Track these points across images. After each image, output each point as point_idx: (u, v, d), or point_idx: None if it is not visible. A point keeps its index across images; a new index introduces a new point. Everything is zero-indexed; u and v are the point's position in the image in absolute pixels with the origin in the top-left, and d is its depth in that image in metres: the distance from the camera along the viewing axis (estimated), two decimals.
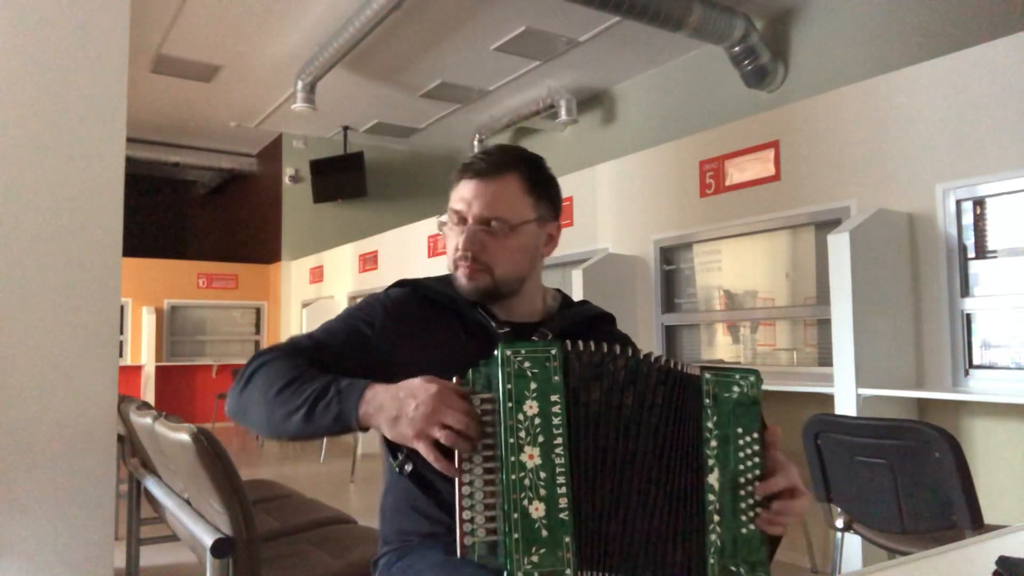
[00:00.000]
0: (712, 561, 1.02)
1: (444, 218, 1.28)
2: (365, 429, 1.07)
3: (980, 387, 3.11)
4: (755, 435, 1.05)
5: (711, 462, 1.04)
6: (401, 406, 1.03)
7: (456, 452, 1.01)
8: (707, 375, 1.05)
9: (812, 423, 2.31)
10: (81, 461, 2.03)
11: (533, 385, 1.01)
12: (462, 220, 1.23)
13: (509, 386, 1.00)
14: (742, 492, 1.04)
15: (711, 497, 1.03)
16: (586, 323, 1.35)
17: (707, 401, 1.05)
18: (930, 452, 2.00)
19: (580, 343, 1.04)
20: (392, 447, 1.25)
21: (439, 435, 0.99)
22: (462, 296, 1.27)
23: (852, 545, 2.86)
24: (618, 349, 1.05)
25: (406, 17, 6.49)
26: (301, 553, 2.07)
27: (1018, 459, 2.97)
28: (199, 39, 7.09)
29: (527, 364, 1.01)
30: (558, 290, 1.41)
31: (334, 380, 1.10)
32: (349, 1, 6.28)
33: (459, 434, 0.99)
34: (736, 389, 1.05)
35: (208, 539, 1.59)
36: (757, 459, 1.05)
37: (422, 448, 1.01)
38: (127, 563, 2.85)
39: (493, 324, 1.25)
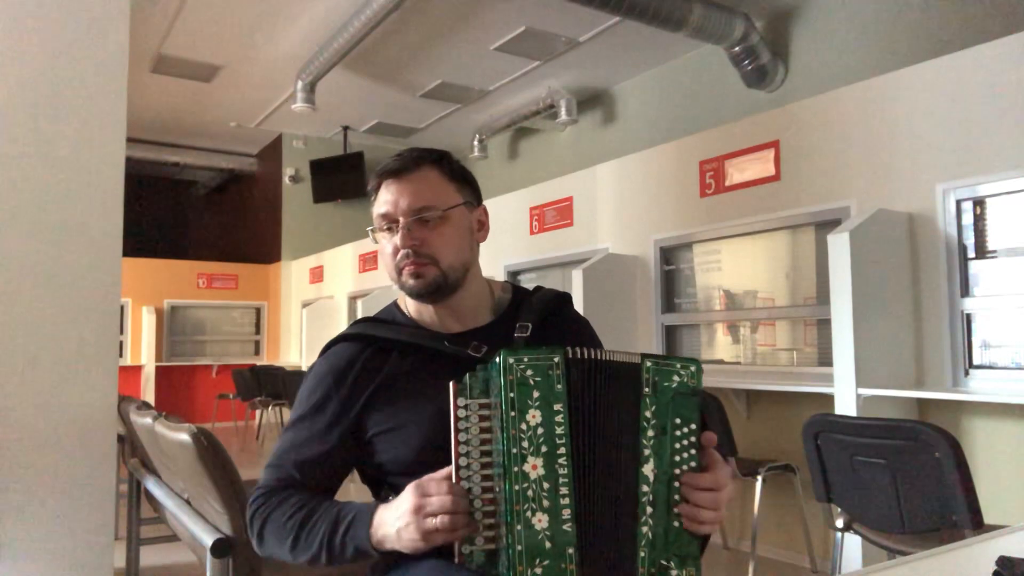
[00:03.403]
0: (643, 554, 1.00)
1: (372, 228, 1.25)
2: (387, 552, 1.09)
3: (980, 387, 3.11)
4: (692, 427, 1.03)
5: (647, 452, 1.02)
6: (397, 519, 1.04)
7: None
8: (647, 363, 1.03)
9: (812, 423, 2.31)
10: (81, 461, 2.03)
11: (536, 394, 0.99)
12: (392, 222, 1.21)
13: (512, 395, 0.98)
14: (676, 484, 1.02)
15: (644, 488, 1.01)
16: (552, 306, 1.32)
17: (646, 390, 1.03)
18: (930, 452, 2.00)
19: (577, 349, 1.02)
20: (373, 485, 1.26)
21: (435, 524, 0.99)
22: (414, 331, 1.25)
23: (852, 545, 2.86)
24: (608, 354, 1.04)
25: (406, 17, 6.49)
26: None
27: (1018, 459, 2.97)
28: (199, 39, 7.09)
29: (529, 372, 0.99)
30: (507, 281, 1.39)
31: (338, 517, 1.11)
32: (349, 1, 6.28)
33: (449, 513, 0.99)
34: (676, 379, 1.03)
35: (208, 539, 1.59)
36: (693, 451, 1.03)
37: (434, 542, 1.01)
38: (127, 563, 2.85)
39: (468, 351, 1.20)
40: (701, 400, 1.05)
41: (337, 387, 1.21)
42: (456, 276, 1.22)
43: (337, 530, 1.10)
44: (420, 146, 1.28)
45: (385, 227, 1.22)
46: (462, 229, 1.24)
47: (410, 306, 1.29)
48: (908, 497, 2.08)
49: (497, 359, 0.99)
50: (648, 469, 1.02)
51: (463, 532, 0.99)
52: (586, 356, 1.02)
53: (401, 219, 1.20)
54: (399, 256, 1.20)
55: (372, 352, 1.23)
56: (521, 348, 1.09)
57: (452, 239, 1.22)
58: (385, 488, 1.21)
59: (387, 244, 1.22)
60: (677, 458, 1.03)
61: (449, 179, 1.24)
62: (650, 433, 1.02)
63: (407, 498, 1.04)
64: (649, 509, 1.01)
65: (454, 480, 1.01)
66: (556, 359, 1.00)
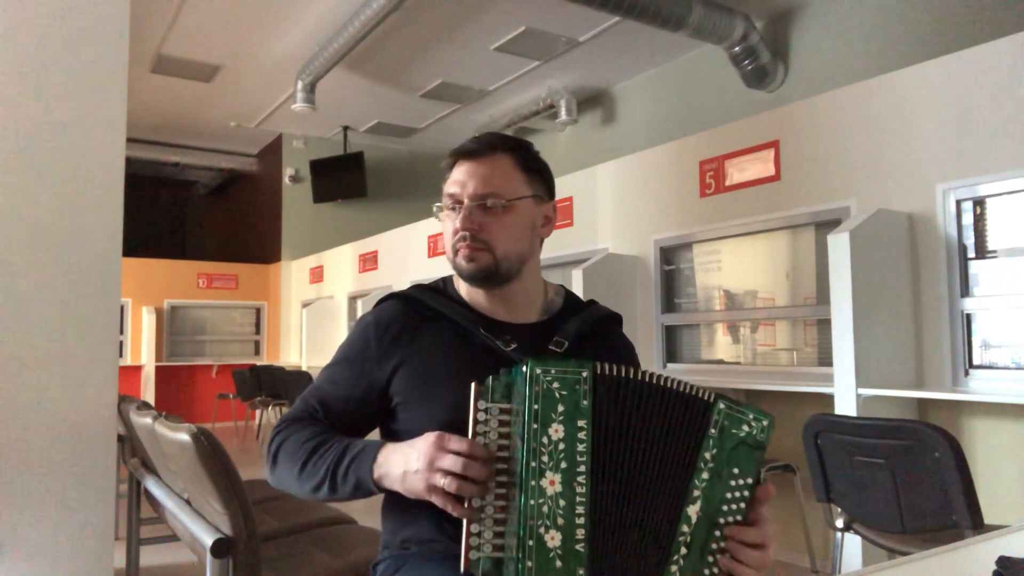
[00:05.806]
0: None
1: (439, 204, 1.27)
2: (385, 491, 1.08)
3: (980, 387, 3.11)
4: (749, 480, 1.00)
5: (696, 493, 0.99)
6: (407, 462, 1.03)
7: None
8: (721, 404, 1.00)
9: (812, 423, 2.31)
10: (81, 461, 2.03)
11: (560, 408, 0.96)
12: (458, 203, 1.22)
13: (536, 406, 0.95)
14: (717, 532, 0.99)
15: (684, 528, 0.98)
16: (599, 326, 1.31)
17: (712, 431, 0.99)
18: (930, 452, 2.00)
19: (607, 366, 0.99)
20: None
21: (443, 483, 0.97)
22: (459, 308, 1.25)
23: (852, 545, 2.86)
24: (644, 375, 1.00)
25: (406, 17, 6.48)
26: (301, 553, 2.07)
27: (1018, 459, 2.97)
28: (199, 39, 7.08)
29: (556, 385, 0.96)
30: (561, 285, 1.38)
31: (347, 448, 1.12)
32: (349, 1, 6.28)
33: (462, 476, 0.97)
34: (745, 429, 1.00)
35: (208, 539, 1.59)
36: (743, 504, 1.00)
37: (435, 500, 0.99)
38: (127, 563, 2.85)
39: (499, 343, 1.20)
40: (762, 458, 1.02)
41: (378, 340, 1.23)
42: (509, 266, 1.23)
43: (343, 459, 1.11)
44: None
45: (450, 206, 1.23)
46: (524, 221, 1.24)
47: (461, 286, 1.30)
48: (908, 497, 2.08)
49: (524, 367, 0.97)
50: (693, 510, 0.99)
51: (465, 511, 0.97)
52: (616, 374, 0.99)
53: (465, 201, 1.21)
54: (456, 237, 1.22)
55: (417, 317, 1.25)
56: (550, 358, 1.06)
57: (511, 230, 1.22)
58: None
59: (449, 223, 1.24)
60: (725, 507, 1.00)
61: (521, 169, 1.25)
62: (704, 475, 0.99)
63: (424, 446, 1.02)
64: (683, 550, 0.98)
65: (470, 514, 0.97)
66: (584, 374, 0.97)
